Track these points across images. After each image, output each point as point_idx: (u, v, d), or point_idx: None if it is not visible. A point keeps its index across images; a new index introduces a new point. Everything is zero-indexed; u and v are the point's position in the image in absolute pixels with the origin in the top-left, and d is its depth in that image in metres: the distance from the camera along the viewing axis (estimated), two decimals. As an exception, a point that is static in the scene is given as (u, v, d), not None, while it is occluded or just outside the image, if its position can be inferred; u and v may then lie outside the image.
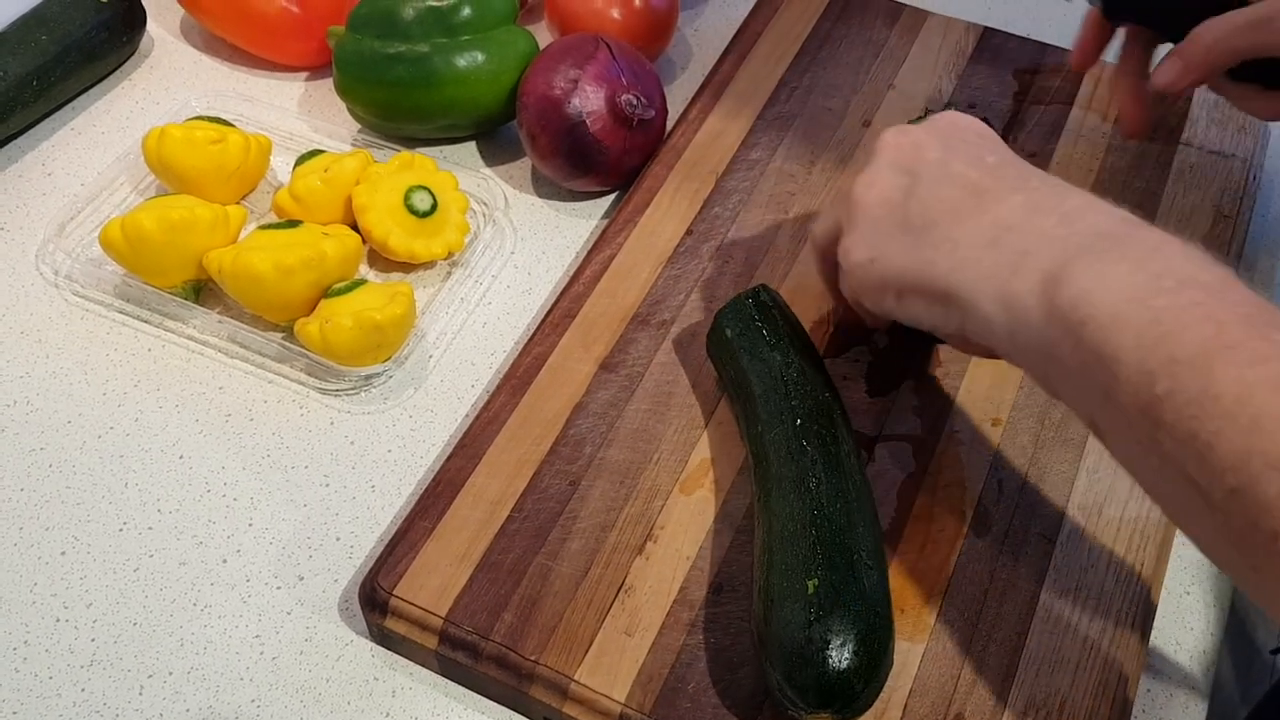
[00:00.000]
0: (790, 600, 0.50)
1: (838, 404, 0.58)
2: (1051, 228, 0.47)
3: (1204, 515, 0.40)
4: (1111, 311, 0.42)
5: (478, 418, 0.62)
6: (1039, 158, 0.74)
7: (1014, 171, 0.51)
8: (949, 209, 0.50)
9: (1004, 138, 0.74)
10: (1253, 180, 0.73)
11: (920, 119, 0.73)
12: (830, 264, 0.58)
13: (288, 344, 0.67)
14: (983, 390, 0.63)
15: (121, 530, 0.61)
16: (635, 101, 0.71)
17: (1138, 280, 0.42)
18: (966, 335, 0.50)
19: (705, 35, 0.87)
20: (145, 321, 0.69)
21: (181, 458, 0.64)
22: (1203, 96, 0.77)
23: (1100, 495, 0.59)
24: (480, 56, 0.74)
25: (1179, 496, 0.41)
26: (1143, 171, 0.73)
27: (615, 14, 0.78)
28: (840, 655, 0.48)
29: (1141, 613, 0.56)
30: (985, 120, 0.75)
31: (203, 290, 0.69)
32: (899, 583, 0.56)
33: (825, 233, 0.58)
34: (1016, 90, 0.78)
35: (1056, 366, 0.45)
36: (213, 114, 0.76)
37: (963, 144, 0.53)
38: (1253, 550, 0.38)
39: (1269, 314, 0.41)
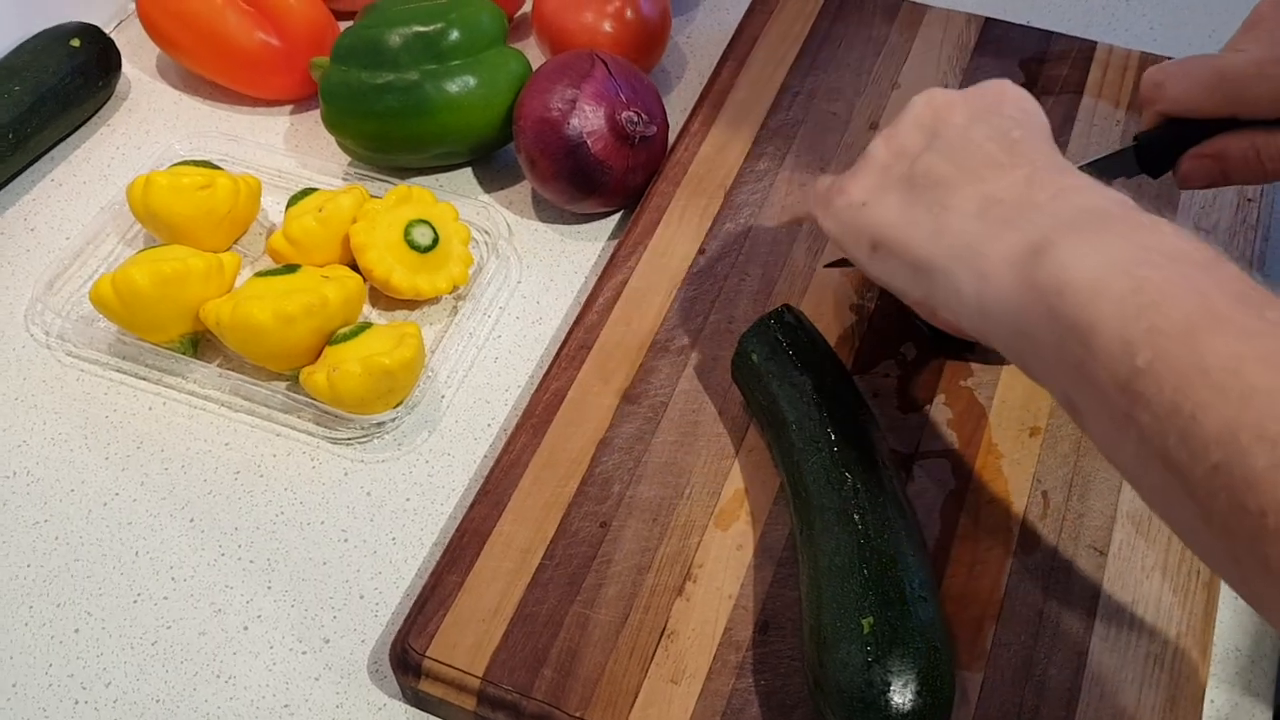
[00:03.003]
0: (845, 641, 0.48)
1: (874, 425, 0.56)
2: (1042, 202, 0.45)
3: (1184, 501, 0.37)
4: (1090, 278, 0.40)
5: (499, 461, 0.60)
6: (1053, 150, 0.72)
7: (1031, 149, 0.49)
8: (951, 175, 0.49)
9: (1016, 132, 0.73)
10: (1274, 161, 0.71)
11: None
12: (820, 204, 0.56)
13: (293, 394, 0.64)
14: (1018, 399, 0.61)
15: (136, 602, 0.58)
16: (636, 118, 0.69)
17: (1122, 251, 0.41)
18: (934, 305, 0.49)
19: (698, 42, 0.84)
20: (143, 379, 0.67)
21: (192, 521, 0.61)
22: (1214, 76, 0.75)
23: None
24: (472, 80, 0.71)
25: (1158, 481, 0.39)
26: (1160, 158, 0.71)
27: (607, 27, 0.76)
28: (904, 696, 0.46)
29: (1201, 621, 0.54)
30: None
31: (200, 342, 0.67)
32: (950, 608, 0.54)
33: (832, 179, 0.57)
34: (1024, 81, 0.75)
35: (1028, 340, 0.43)
36: (197, 156, 0.73)
37: (994, 114, 0.51)
38: (1235, 534, 0.36)
39: (1261, 294, 0.39)
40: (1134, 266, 0.40)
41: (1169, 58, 0.76)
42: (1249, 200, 0.69)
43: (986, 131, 0.50)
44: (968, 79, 0.76)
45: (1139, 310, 0.38)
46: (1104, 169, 0.59)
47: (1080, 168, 0.63)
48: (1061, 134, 0.73)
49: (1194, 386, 0.36)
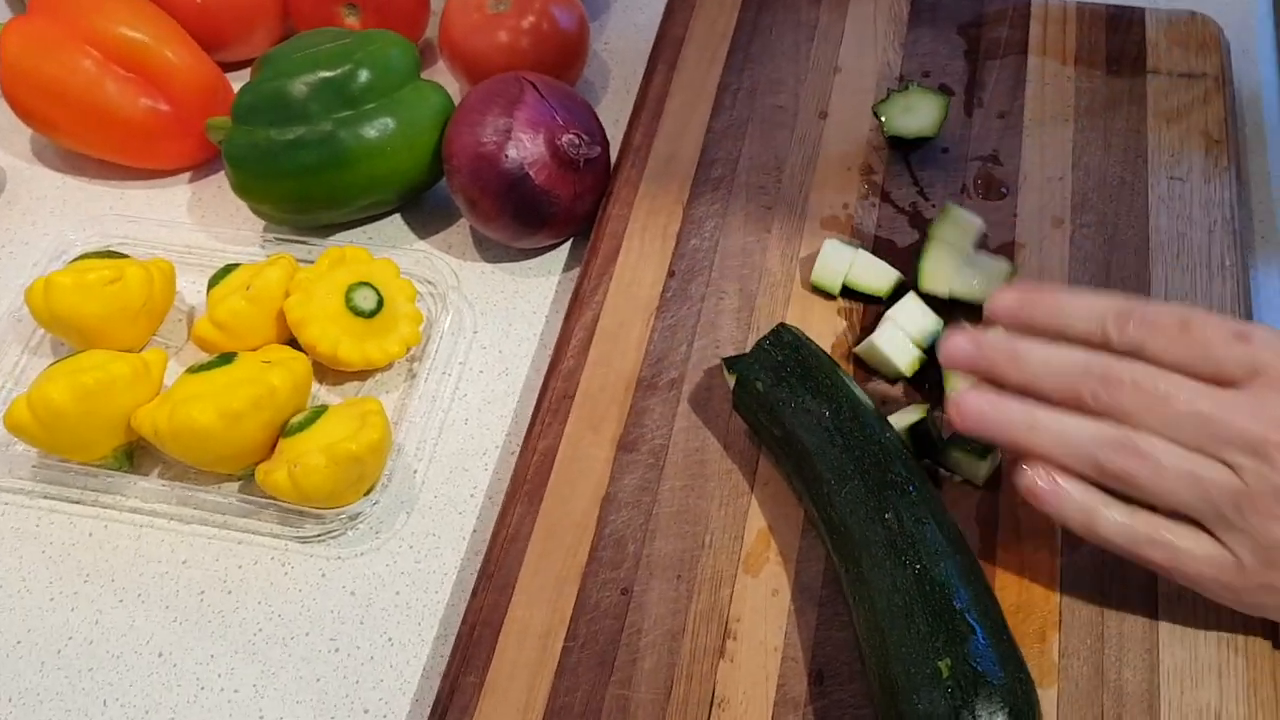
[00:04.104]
0: (924, 688, 0.44)
1: (896, 439, 0.52)
2: None
3: None
4: None
5: (496, 537, 0.54)
6: (1009, 116, 0.69)
7: None
8: None
9: (968, 101, 0.70)
10: (1232, 99, 0.69)
11: (904, 89, 0.67)
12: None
13: (249, 495, 0.58)
14: (1031, 384, 0.58)
15: (112, 760, 0.52)
16: (578, 140, 0.64)
17: None
18: None
19: (618, 48, 0.79)
20: (78, 503, 0.60)
21: (161, 655, 0.55)
22: (1155, 17, 0.73)
23: (1187, 475, 0.54)
24: (391, 122, 0.65)
25: None
26: (1120, 110, 0.69)
27: (525, 44, 0.70)
28: (1000, 740, 0.42)
29: (1264, 594, 0.51)
30: (944, 87, 0.70)
31: (135, 453, 0.60)
32: (1009, 623, 0.50)
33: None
34: (966, 48, 0.72)
35: None
36: (96, 245, 0.66)
37: None
38: None
39: None
40: None
41: (1106, 6, 0.74)
42: (1216, 142, 0.67)
43: None
44: (909, 53, 0.72)
45: None
46: None
47: None
48: (1015, 97, 0.70)
49: None
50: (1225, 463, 0.44)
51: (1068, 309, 0.48)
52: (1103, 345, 0.47)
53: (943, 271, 0.60)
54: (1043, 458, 0.46)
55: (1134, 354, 0.46)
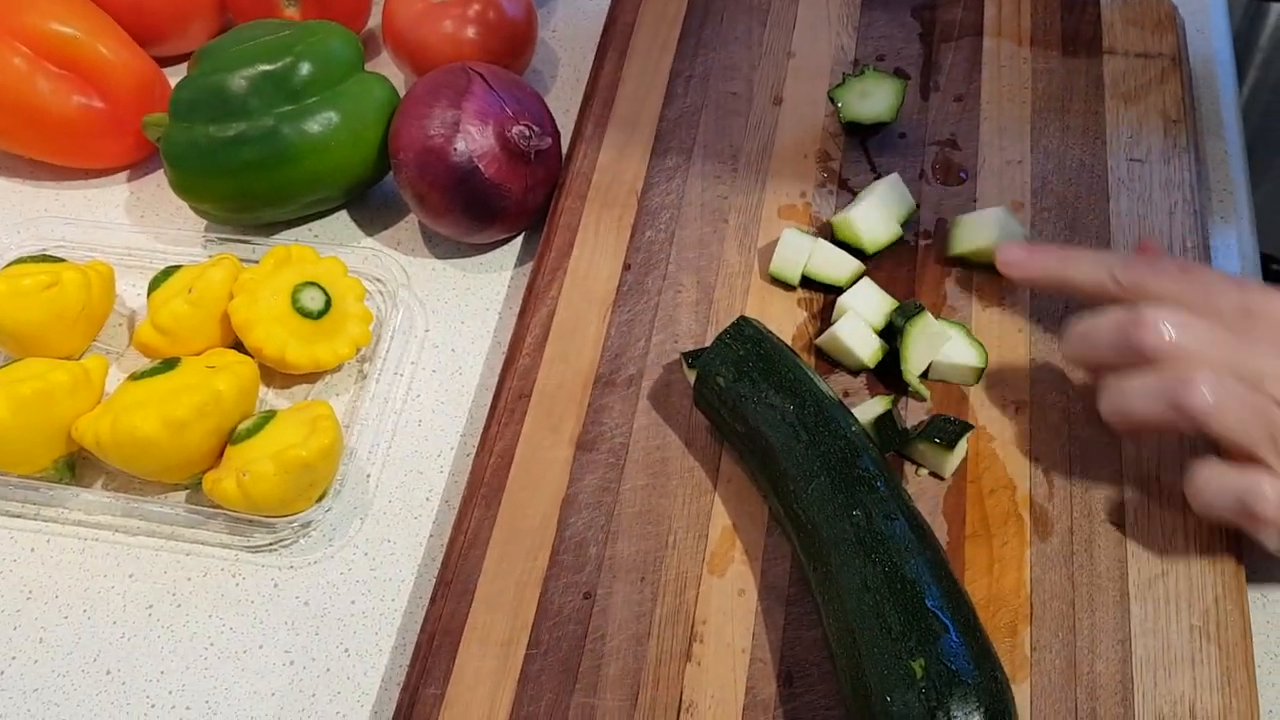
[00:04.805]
0: (898, 689, 0.43)
1: (862, 433, 0.51)
2: None
3: None
4: None
5: (453, 543, 0.53)
6: (966, 99, 0.68)
7: None
8: None
9: (924, 84, 0.69)
10: (1189, 78, 0.69)
11: (859, 74, 0.66)
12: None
13: (196, 505, 0.56)
14: (994, 373, 0.57)
15: (58, 786, 0.50)
16: (528, 132, 0.62)
17: None
18: None
19: (566, 35, 0.78)
20: (18, 517, 0.57)
21: (109, 673, 0.53)
22: (1110, -2, 0.72)
23: (1153, 462, 0.54)
24: (335, 116, 0.63)
25: None
26: (1077, 91, 0.68)
27: (471, 33, 0.68)
28: (975, 740, 0.41)
29: (1234, 581, 0.51)
30: (899, 71, 0.70)
31: (77, 464, 0.58)
32: (980, 616, 0.49)
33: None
34: (920, 30, 0.71)
35: None
36: (31, 249, 0.64)
37: None
38: None
39: None
40: None
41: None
42: (1174, 122, 0.66)
43: None
44: (863, 37, 0.71)
45: None
46: None
47: None
48: (971, 80, 0.69)
49: None
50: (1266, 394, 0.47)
51: (1073, 257, 0.53)
52: (1109, 289, 0.50)
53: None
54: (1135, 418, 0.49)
55: (1137, 293, 0.49)
